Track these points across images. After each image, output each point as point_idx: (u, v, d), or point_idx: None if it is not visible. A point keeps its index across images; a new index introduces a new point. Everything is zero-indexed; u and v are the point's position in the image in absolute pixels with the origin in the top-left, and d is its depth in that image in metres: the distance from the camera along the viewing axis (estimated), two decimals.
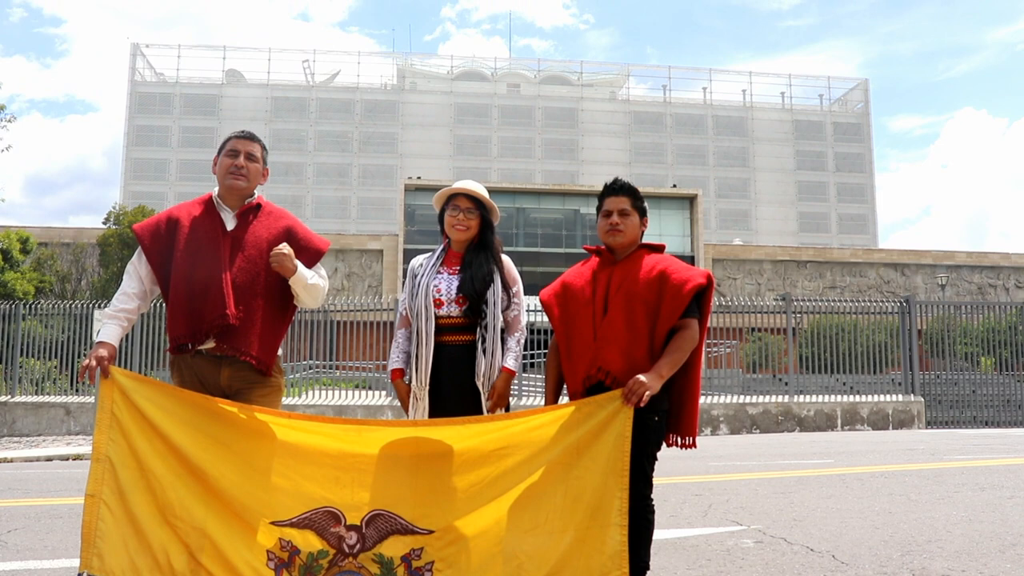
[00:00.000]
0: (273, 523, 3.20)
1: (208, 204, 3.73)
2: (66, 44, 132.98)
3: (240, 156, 3.70)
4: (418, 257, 4.04)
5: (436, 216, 4.04)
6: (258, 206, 3.75)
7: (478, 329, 3.77)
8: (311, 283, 3.63)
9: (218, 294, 3.49)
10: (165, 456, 3.26)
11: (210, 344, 3.53)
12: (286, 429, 3.33)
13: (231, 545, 3.17)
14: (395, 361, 3.91)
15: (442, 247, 4.01)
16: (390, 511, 3.23)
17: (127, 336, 17.01)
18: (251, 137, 3.79)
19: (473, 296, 3.76)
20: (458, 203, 3.90)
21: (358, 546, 3.19)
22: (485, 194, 3.94)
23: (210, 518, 3.21)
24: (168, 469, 3.25)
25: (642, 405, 3.23)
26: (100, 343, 3.43)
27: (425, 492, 3.26)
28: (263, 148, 3.83)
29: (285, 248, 3.52)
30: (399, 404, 3.93)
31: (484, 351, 3.74)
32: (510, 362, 3.81)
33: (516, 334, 3.88)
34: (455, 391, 3.74)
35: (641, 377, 3.23)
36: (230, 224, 3.67)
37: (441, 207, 3.98)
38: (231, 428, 3.31)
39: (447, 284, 3.83)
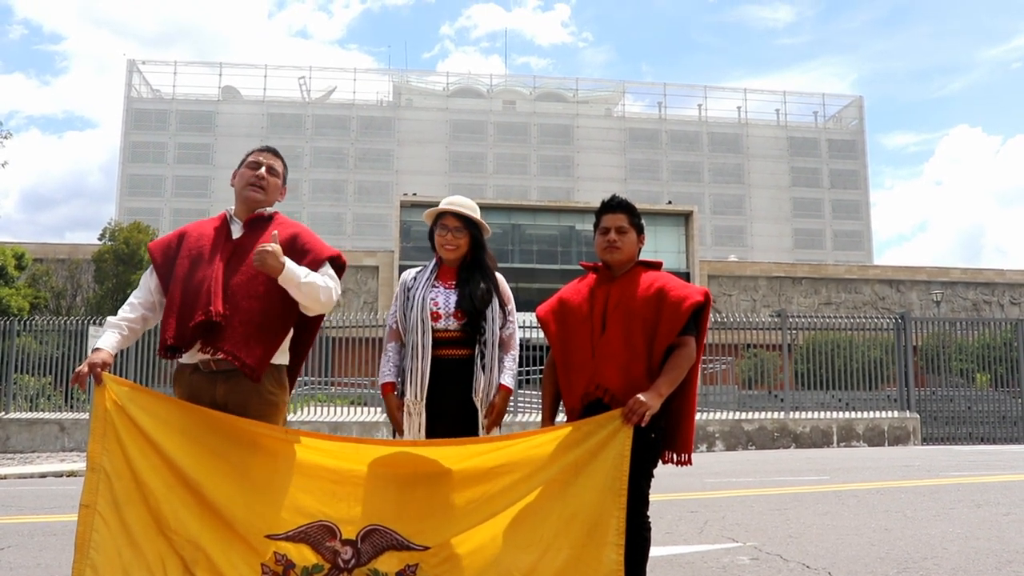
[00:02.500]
0: (268, 536, 3.17)
1: (221, 219, 3.70)
2: (66, 61, 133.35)
3: (261, 168, 3.68)
4: (409, 271, 4.01)
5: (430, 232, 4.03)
6: (270, 216, 3.68)
7: (477, 345, 3.74)
8: (304, 283, 3.36)
9: (207, 293, 3.40)
10: (158, 467, 3.22)
11: (198, 352, 3.43)
12: (282, 442, 3.31)
13: (226, 559, 3.14)
14: (386, 375, 3.85)
15: (434, 263, 3.98)
16: (386, 526, 3.21)
17: (122, 352, 16.97)
18: (274, 152, 3.78)
19: (472, 312, 3.75)
20: (446, 222, 3.88)
21: (353, 561, 3.18)
22: (473, 212, 3.91)
23: (204, 531, 3.17)
24: (162, 481, 3.21)
25: (643, 425, 3.24)
26: (96, 350, 3.36)
27: (421, 508, 3.25)
28: (284, 165, 3.82)
29: (269, 245, 3.27)
30: (391, 419, 3.87)
31: (483, 367, 3.72)
32: (507, 380, 3.80)
33: (512, 352, 3.87)
34: (451, 405, 3.71)
35: (641, 397, 3.23)
36: (237, 234, 3.62)
37: (432, 224, 3.98)
38: (226, 439, 3.28)
39: (444, 298, 3.80)
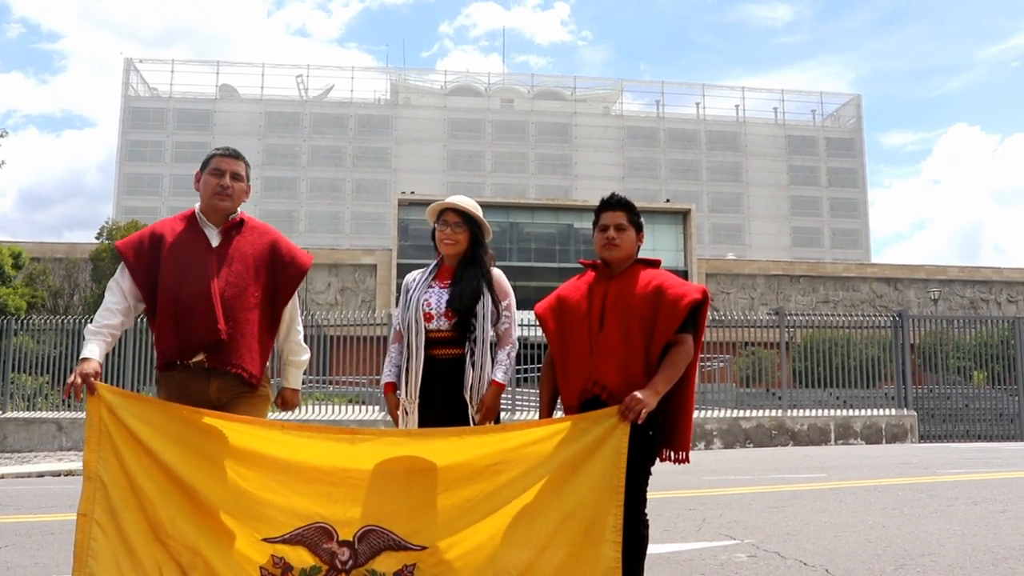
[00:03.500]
0: (265, 540, 3.18)
1: (191, 220, 3.69)
2: (64, 60, 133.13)
3: (226, 176, 3.66)
4: (413, 272, 4.07)
5: (430, 231, 4.06)
6: (241, 222, 3.73)
7: (467, 343, 3.78)
8: (304, 365, 3.97)
9: (207, 309, 3.46)
10: (154, 474, 3.22)
11: (199, 358, 3.51)
12: (277, 443, 3.30)
13: (223, 563, 3.15)
14: (387, 375, 3.93)
15: (436, 262, 4.03)
16: (383, 527, 3.21)
17: (118, 353, 16.97)
18: (235, 155, 3.74)
19: (461, 310, 3.78)
20: (447, 218, 3.93)
21: (350, 562, 3.18)
22: (473, 208, 3.95)
23: (201, 536, 3.18)
24: (157, 488, 3.21)
25: (640, 422, 3.24)
26: (84, 359, 3.36)
27: (418, 508, 3.25)
28: (247, 165, 3.80)
29: (282, 400, 3.91)
30: (392, 418, 3.93)
31: (473, 364, 3.75)
32: (499, 375, 3.81)
33: (507, 347, 3.89)
34: (445, 404, 3.75)
35: (638, 394, 3.23)
36: (214, 240, 3.64)
37: (434, 222, 4.01)
38: (221, 443, 3.28)
39: (437, 298, 3.85)
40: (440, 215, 3.96)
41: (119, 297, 3.59)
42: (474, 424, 3.73)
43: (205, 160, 3.74)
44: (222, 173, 3.66)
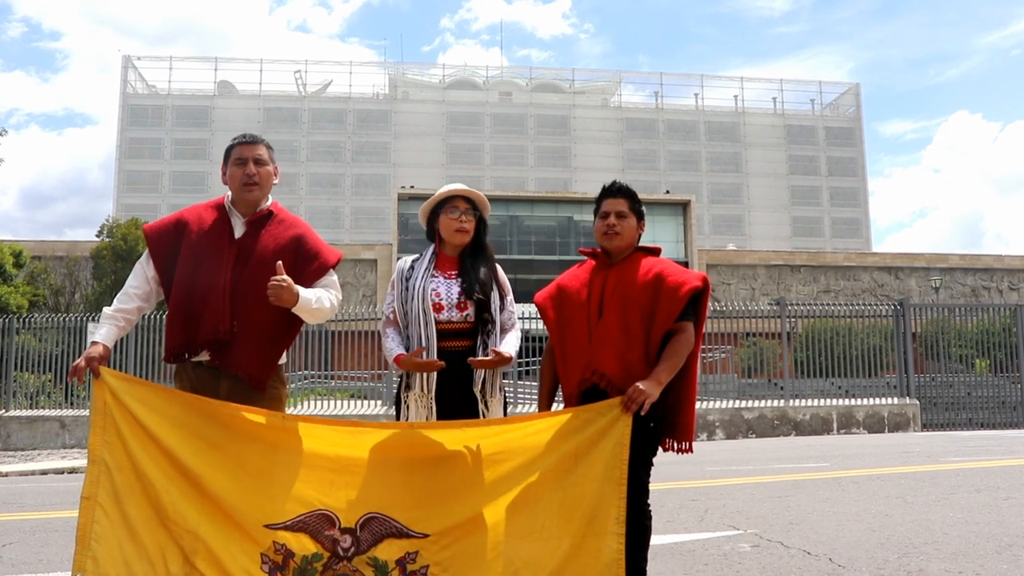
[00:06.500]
0: (267, 526, 3.18)
1: (220, 209, 3.63)
2: (66, 59, 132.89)
3: (249, 163, 3.59)
4: (405, 259, 3.85)
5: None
6: (269, 214, 3.65)
7: (479, 335, 3.62)
8: (315, 308, 3.45)
9: (216, 306, 3.41)
10: (157, 459, 3.23)
11: (206, 357, 3.48)
12: (279, 431, 3.30)
13: (225, 549, 3.15)
14: (394, 348, 3.63)
15: (432, 252, 3.83)
16: (385, 514, 3.21)
17: (121, 347, 16.97)
18: (254, 140, 3.68)
19: (482, 299, 3.63)
20: (457, 204, 3.76)
21: (352, 549, 3.18)
22: (482, 198, 3.87)
23: (203, 522, 3.18)
24: (160, 472, 3.21)
25: (643, 413, 3.23)
26: (93, 343, 3.35)
27: (420, 495, 3.25)
28: (268, 148, 3.72)
29: (282, 280, 3.31)
30: (395, 412, 3.75)
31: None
32: (508, 349, 3.62)
33: (513, 330, 3.75)
34: (459, 396, 3.58)
35: (640, 385, 3.22)
36: (239, 231, 3.57)
37: (430, 211, 3.84)
38: (224, 430, 3.28)
39: (446, 288, 3.67)
40: (446, 203, 3.79)
41: (141, 281, 3.57)
42: (481, 380, 3.58)
43: (226, 152, 3.67)
44: (245, 161, 3.60)
